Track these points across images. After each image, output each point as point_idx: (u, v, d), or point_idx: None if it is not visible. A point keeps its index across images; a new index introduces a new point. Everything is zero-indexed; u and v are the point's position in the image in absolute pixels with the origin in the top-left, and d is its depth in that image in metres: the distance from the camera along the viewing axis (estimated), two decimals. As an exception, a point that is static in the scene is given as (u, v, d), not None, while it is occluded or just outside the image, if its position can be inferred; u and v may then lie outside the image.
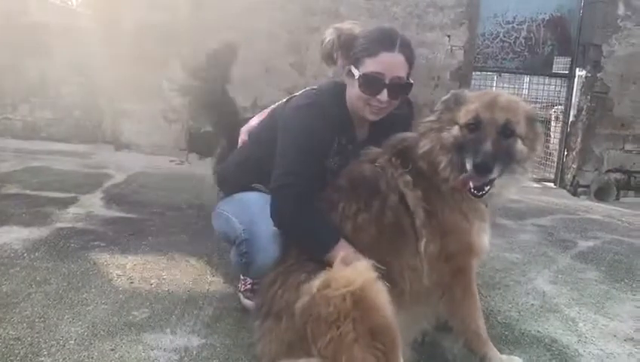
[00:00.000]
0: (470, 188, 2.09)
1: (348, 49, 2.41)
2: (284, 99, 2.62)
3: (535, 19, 6.89)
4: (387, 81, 2.32)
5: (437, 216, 2.21)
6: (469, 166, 2.05)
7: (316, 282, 2.00)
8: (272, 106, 2.73)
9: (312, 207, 2.25)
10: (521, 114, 2.17)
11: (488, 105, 2.14)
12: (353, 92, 2.39)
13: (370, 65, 2.32)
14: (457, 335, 2.34)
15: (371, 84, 2.33)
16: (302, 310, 1.98)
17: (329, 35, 2.46)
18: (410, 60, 2.38)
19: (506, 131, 2.11)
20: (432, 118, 2.26)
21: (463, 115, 2.15)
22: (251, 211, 2.43)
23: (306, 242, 2.25)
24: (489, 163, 2.02)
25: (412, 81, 2.41)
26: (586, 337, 2.79)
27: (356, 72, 2.34)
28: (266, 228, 2.33)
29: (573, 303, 3.21)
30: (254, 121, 2.80)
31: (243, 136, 2.79)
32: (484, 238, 2.28)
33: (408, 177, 2.24)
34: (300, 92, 2.58)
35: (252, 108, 5.61)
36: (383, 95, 2.33)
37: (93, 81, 6.60)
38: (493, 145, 2.04)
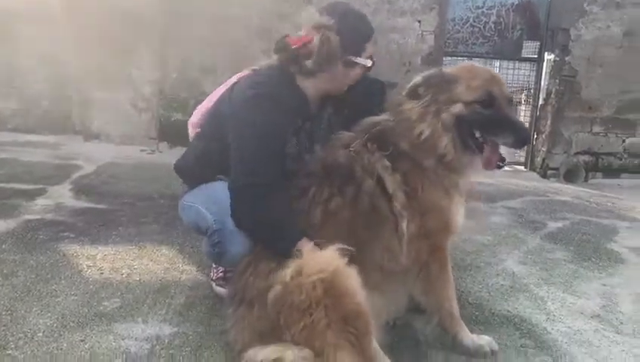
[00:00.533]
0: (497, 163, 2.22)
1: (344, 44, 2.34)
2: (227, 86, 2.57)
3: (504, 4, 6.96)
4: None
5: (417, 195, 2.23)
6: (508, 142, 2.18)
7: (288, 270, 2.00)
8: (213, 96, 2.66)
9: (272, 205, 2.21)
10: None
11: (493, 79, 2.24)
12: (349, 78, 2.43)
13: (370, 48, 2.42)
14: (431, 314, 2.38)
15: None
16: (274, 299, 1.99)
17: (319, 41, 2.29)
18: None
19: (510, 102, 2.25)
20: (424, 101, 2.23)
21: (467, 92, 2.19)
22: (220, 201, 2.39)
23: (268, 242, 2.22)
24: (529, 134, 2.19)
25: None
26: (554, 315, 2.84)
27: (364, 61, 2.39)
28: None
29: (542, 283, 3.27)
30: (197, 115, 2.72)
31: (191, 129, 2.75)
32: (461, 214, 2.34)
33: (387, 162, 2.24)
34: (240, 75, 2.55)
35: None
36: None
37: (61, 70, 6.46)
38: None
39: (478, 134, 2.21)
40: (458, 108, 2.19)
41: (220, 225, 2.39)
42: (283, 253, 2.10)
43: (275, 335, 1.97)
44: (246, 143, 2.26)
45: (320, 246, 2.07)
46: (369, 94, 2.58)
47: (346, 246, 2.03)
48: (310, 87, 2.42)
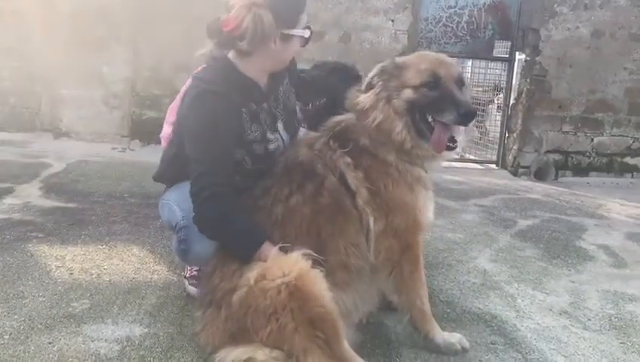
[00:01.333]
0: (447, 143, 2.21)
1: (277, 19, 2.24)
2: (181, 95, 2.55)
3: (476, 4, 7.00)
4: None
5: (381, 193, 2.24)
6: (451, 118, 2.15)
7: (252, 274, 1.99)
8: (175, 105, 2.65)
9: (233, 207, 2.19)
10: None
11: (438, 62, 2.27)
12: (289, 52, 2.38)
13: (305, 18, 2.35)
14: (402, 312, 2.39)
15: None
16: (240, 302, 1.99)
17: (251, 21, 2.18)
18: None
19: (459, 83, 2.25)
20: (376, 90, 2.27)
21: (415, 76, 2.22)
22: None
23: (230, 247, 2.20)
24: (473, 109, 2.18)
25: None
26: (524, 312, 2.89)
27: (301, 32, 2.33)
28: None
29: (513, 280, 3.32)
30: (167, 128, 2.73)
31: (163, 142, 2.76)
32: (430, 210, 2.35)
33: (348, 159, 2.26)
34: (188, 82, 2.52)
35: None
36: None
37: (30, 67, 6.33)
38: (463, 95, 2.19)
39: (430, 119, 2.24)
40: (407, 93, 2.22)
41: (187, 221, 2.37)
42: (245, 258, 2.10)
43: (244, 336, 1.96)
44: (194, 145, 2.24)
45: (285, 250, 2.07)
46: (341, 80, 2.58)
47: (310, 252, 2.04)
48: (252, 68, 2.36)
